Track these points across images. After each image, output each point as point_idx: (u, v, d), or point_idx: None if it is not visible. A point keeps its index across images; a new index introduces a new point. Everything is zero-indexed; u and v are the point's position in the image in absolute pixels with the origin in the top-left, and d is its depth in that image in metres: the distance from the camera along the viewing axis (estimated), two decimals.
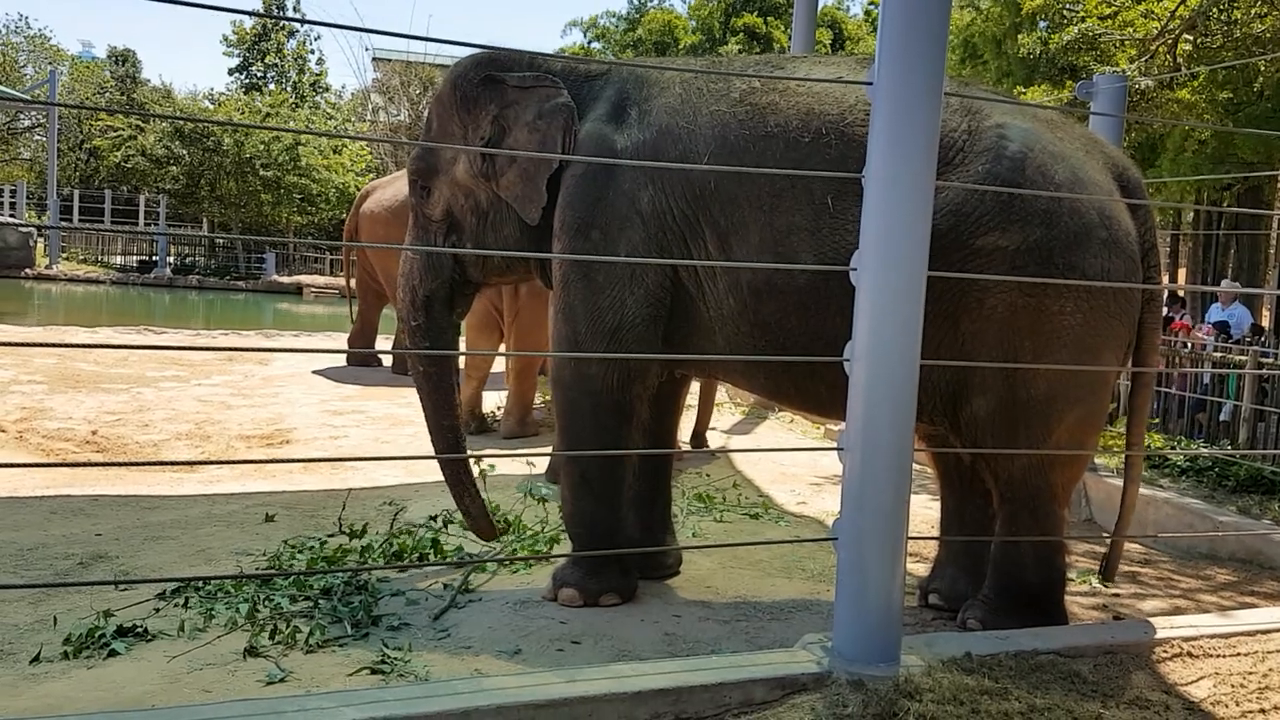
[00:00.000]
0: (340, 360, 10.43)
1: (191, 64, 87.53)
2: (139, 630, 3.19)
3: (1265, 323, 14.03)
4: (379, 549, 4.00)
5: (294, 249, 29.72)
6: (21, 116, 34.35)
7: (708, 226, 3.46)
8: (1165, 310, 10.16)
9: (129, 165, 28.48)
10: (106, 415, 7.19)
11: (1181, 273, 20.78)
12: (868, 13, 34.38)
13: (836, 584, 2.60)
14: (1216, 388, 7.33)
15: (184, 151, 27.69)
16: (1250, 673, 2.83)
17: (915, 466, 4.87)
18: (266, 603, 3.45)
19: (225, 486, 5.39)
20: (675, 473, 4.94)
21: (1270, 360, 6.75)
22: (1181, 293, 13.13)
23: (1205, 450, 6.12)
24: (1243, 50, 10.24)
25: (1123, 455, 3.69)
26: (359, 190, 12.03)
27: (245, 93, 32.87)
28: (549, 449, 5.78)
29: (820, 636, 2.67)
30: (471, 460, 4.05)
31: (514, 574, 3.95)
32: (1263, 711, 2.63)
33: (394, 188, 9.47)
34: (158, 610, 3.42)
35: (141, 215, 30.19)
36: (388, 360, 10.28)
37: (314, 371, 9.94)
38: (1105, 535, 4.11)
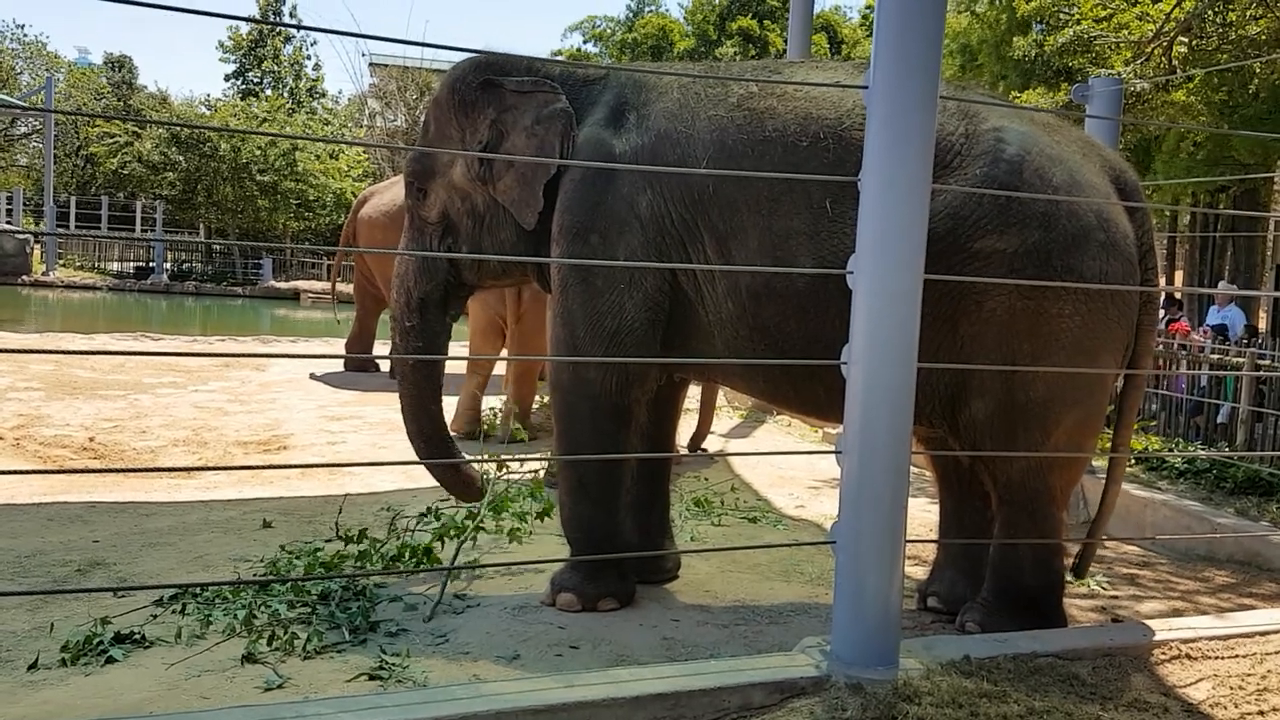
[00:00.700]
0: (338, 365, 10.42)
1: (188, 70, 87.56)
2: (137, 637, 3.18)
3: (1261, 324, 14.04)
4: (377, 554, 3.99)
5: (291, 254, 29.72)
6: (18, 123, 34.37)
7: (706, 231, 3.46)
8: (1163, 313, 10.19)
9: (125, 171, 28.50)
10: (104, 422, 7.18)
11: (1179, 275, 20.80)
12: (865, 17, 34.44)
13: (835, 587, 2.60)
14: (1214, 390, 7.34)
15: (180, 157, 27.70)
16: (1249, 674, 2.83)
17: (914, 469, 4.87)
18: (264, 609, 3.44)
19: (223, 493, 5.38)
20: (674, 477, 4.94)
21: (1267, 363, 6.76)
22: (1179, 295, 13.14)
23: (1203, 452, 6.12)
24: (1238, 52, 10.26)
25: (1108, 458, 3.69)
26: (356, 196, 12.04)
27: (242, 98, 32.88)
28: (547, 454, 5.77)
29: (819, 640, 2.67)
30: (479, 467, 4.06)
31: (511, 579, 3.94)
32: (1261, 713, 2.63)
33: (391, 193, 9.48)
34: (155, 617, 3.41)
35: (138, 221, 30.20)
36: (385, 365, 10.28)
37: (311, 377, 9.93)
38: (1107, 538, 4.12)
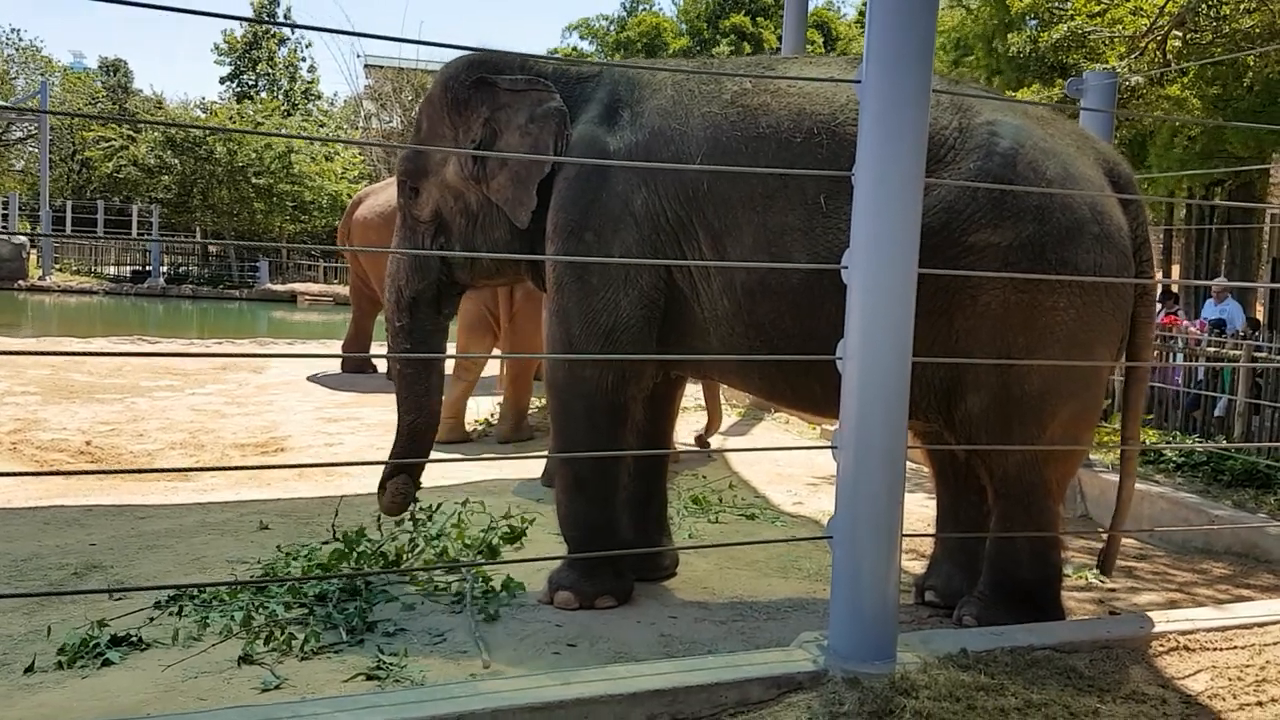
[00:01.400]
0: (335, 367, 10.41)
1: (183, 73, 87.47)
2: (133, 639, 3.18)
3: (1259, 317, 14.05)
4: (373, 554, 3.98)
5: (288, 257, 29.70)
6: (13, 128, 34.32)
7: (701, 228, 3.45)
8: (1159, 306, 10.19)
9: (121, 175, 28.47)
10: (100, 425, 7.17)
11: (1175, 269, 20.82)
12: (860, 13, 34.45)
13: (832, 582, 2.60)
14: (1211, 383, 7.34)
15: (176, 160, 27.66)
16: (1247, 666, 2.83)
17: (910, 465, 4.88)
18: (261, 610, 3.44)
19: (219, 495, 5.37)
20: (671, 474, 4.94)
21: (1264, 355, 6.76)
22: (1175, 288, 13.15)
23: (1200, 445, 6.12)
24: (1231, 46, 10.27)
25: (1118, 450, 3.69)
26: (352, 198, 12.03)
27: (237, 101, 32.83)
28: (544, 452, 5.77)
29: (816, 635, 2.66)
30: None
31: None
32: (1260, 704, 2.63)
33: (386, 194, 9.47)
34: (152, 619, 3.40)
35: (134, 225, 30.17)
36: (383, 366, 10.27)
37: (309, 379, 9.92)
38: (1101, 530, 4.12)
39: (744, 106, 3.46)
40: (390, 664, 3.03)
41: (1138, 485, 5.37)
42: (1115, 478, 3.64)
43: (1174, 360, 7.63)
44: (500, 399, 7.41)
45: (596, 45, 33.79)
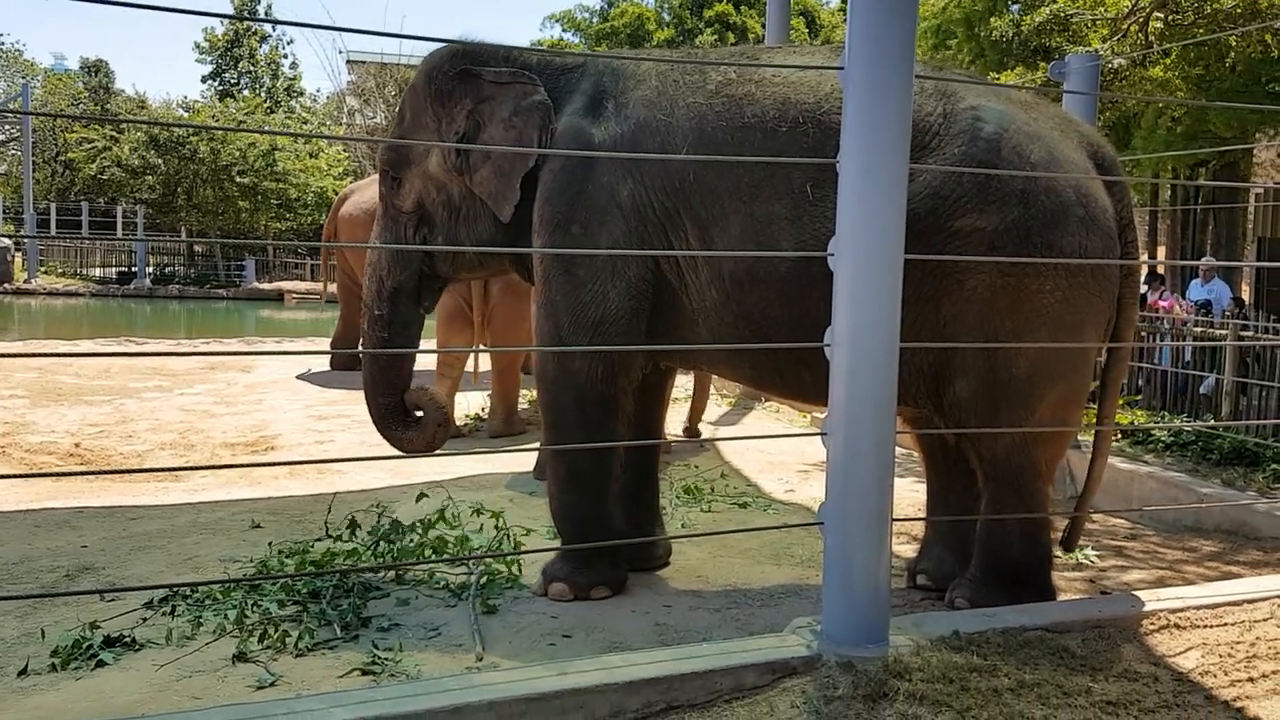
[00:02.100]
0: (324, 365, 10.39)
1: (165, 72, 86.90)
2: (127, 640, 3.17)
3: (1245, 296, 14.11)
4: (367, 551, 3.98)
5: (274, 255, 29.57)
6: None
7: (688, 218, 3.46)
8: (1144, 288, 10.22)
9: (105, 176, 28.26)
10: (89, 427, 7.15)
11: (1160, 250, 20.89)
12: (843, 1, 34.43)
13: (824, 568, 2.61)
14: (1197, 363, 7.37)
15: (159, 161, 27.47)
16: (1238, 642, 2.85)
17: (900, 449, 4.89)
18: (255, 608, 3.44)
19: (210, 494, 5.36)
20: (663, 464, 4.94)
21: (1250, 334, 6.80)
22: (1161, 270, 13.19)
23: (1188, 425, 6.16)
24: (1213, 26, 10.29)
25: (1094, 431, 3.70)
26: (337, 194, 11.99)
27: (219, 99, 32.65)
28: (535, 445, 5.78)
29: (809, 620, 2.68)
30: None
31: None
32: (1251, 680, 2.64)
33: (372, 190, 9.43)
34: (145, 620, 3.40)
35: (119, 226, 30.00)
36: None
37: (298, 377, 9.90)
38: (1091, 511, 4.14)
39: (729, 96, 3.46)
40: (385, 659, 3.04)
41: (1128, 465, 5.43)
42: (1089, 456, 3.65)
43: (1159, 341, 7.65)
44: (489, 393, 7.40)
45: (580, 37, 33.68)
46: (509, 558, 3.92)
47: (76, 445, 6.57)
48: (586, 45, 31.78)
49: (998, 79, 12.23)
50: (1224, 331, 6.84)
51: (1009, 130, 3.25)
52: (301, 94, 38.35)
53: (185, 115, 30.34)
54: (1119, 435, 5.90)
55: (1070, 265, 3.20)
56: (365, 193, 9.69)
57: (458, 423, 7.30)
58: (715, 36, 30.58)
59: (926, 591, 3.76)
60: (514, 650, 3.18)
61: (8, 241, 25.17)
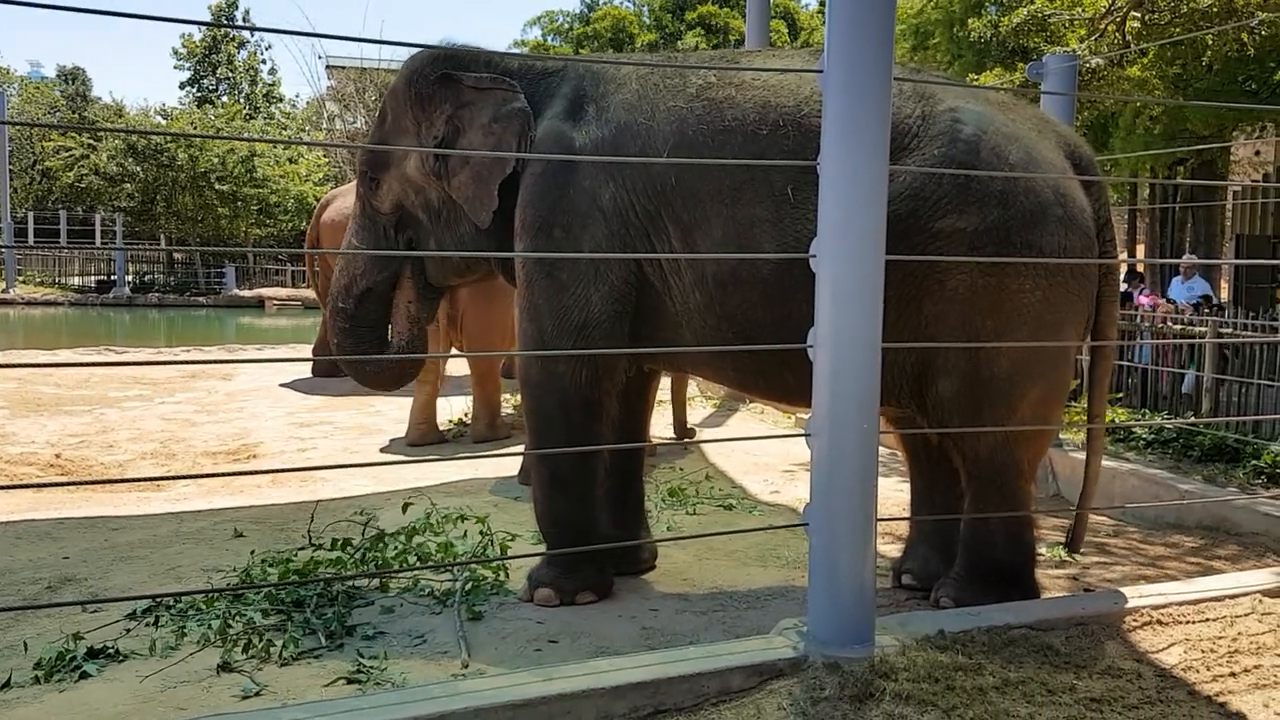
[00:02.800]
0: (306, 372, 10.35)
1: (142, 80, 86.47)
2: (110, 651, 3.15)
3: (1224, 294, 14.21)
4: (351, 559, 3.96)
5: (254, 262, 29.44)
6: None
7: (670, 222, 3.46)
8: (1124, 286, 10.27)
9: (83, 185, 28.07)
10: (70, 438, 7.10)
11: (1140, 248, 21.03)
12: (821, 3, 34.51)
13: (809, 569, 2.62)
14: (1176, 360, 7.42)
15: (138, 168, 27.30)
16: (1219, 638, 2.87)
17: (884, 449, 4.90)
18: (239, 618, 3.42)
19: (193, 504, 5.33)
20: (648, 468, 4.95)
21: (1229, 330, 6.85)
22: (1141, 268, 13.28)
23: (1169, 422, 6.20)
24: (1190, 25, 10.36)
25: (1086, 430, 3.73)
26: (317, 199, 11.95)
27: (198, 106, 32.49)
28: (519, 450, 5.77)
29: (795, 622, 2.68)
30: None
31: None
32: (1233, 675, 2.66)
33: (354, 195, 9.39)
34: (129, 631, 3.38)
35: (98, 234, 29.81)
36: None
37: (280, 385, 9.86)
38: (1073, 509, 4.16)
39: (709, 100, 3.46)
40: (371, 667, 3.02)
41: (1110, 463, 5.46)
42: (1085, 456, 3.67)
43: (1140, 339, 7.70)
44: (468, 399, 7.38)
45: (560, 40, 33.63)
46: (494, 563, 3.92)
47: (57, 456, 6.52)
48: (570, 48, 31.73)
49: (976, 80, 12.30)
50: (1203, 329, 6.89)
51: (988, 131, 3.27)
52: (281, 99, 38.22)
53: (163, 122, 30.19)
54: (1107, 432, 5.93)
55: (1050, 265, 3.22)
56: (347, 199, 9.63)
57: (441, 428, 7.29)
58: (698, 39, 30.59)
59: (912, 591, 3.77)
60: (500, 657, 3.17)
61: None
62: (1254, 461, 5.43)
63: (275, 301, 25.88)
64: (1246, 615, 3.02)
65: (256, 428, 7.65)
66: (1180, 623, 2.96)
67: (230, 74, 36.79)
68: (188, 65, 36.70)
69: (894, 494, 4.97)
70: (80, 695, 2.88)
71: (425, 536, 4.22)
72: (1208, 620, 2.99)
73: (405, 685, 2.87)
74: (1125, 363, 7.44)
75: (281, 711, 2.23)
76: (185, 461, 6.53)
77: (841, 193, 2.53)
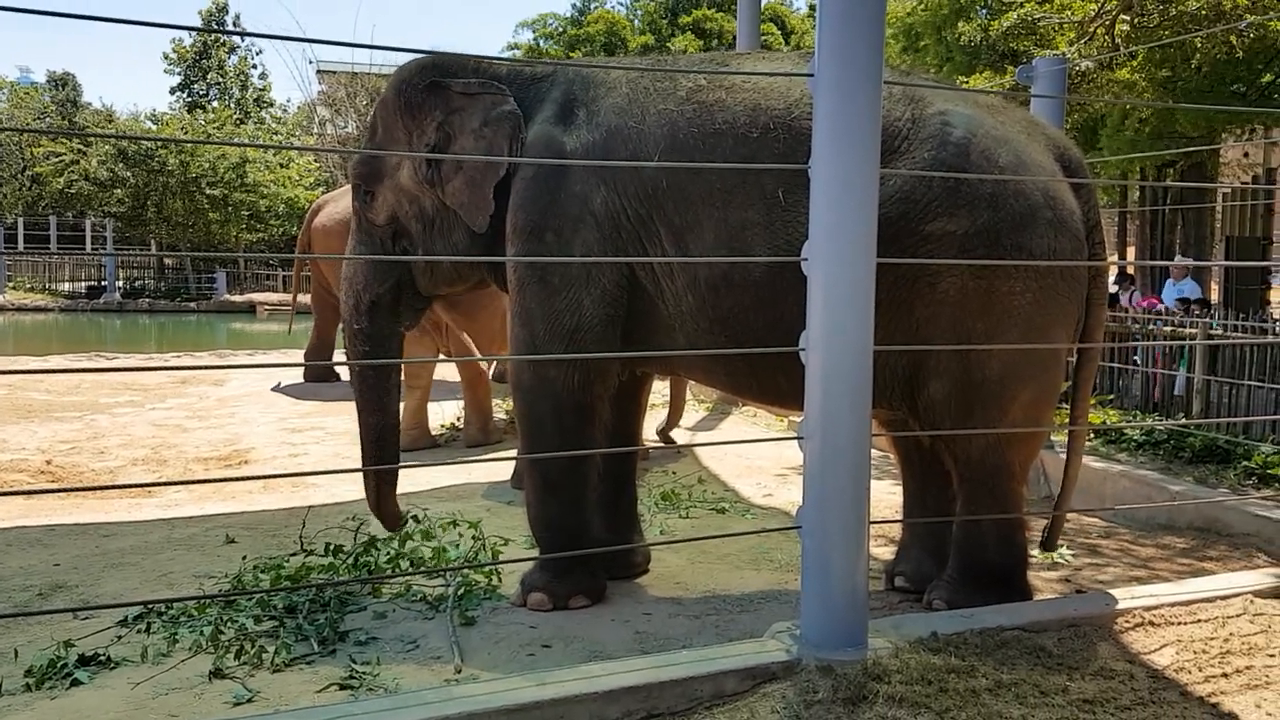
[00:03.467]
0: (298, 377, 10.33)
1: (133, 85, 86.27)
2: (102, 658, 3.14)
3: (1213, 295, 14.26)
4: (344, 565, 3.96)
5: (245, 267, 29.38)
6: None
7: (662, 225, 3.46)
8: (1114, 289, 10.31)
9: (73, 190, 27.97)
10: (60, 444, 7.08)
11: (1130, 250, 21.09)
12: (811, 7, 34.58)
13: (802, 572, 2.61)
14: (1167, 362, 7.44)
15: (128, 174, 27.20)
16: (1211, 638, 2.88)
17: (876, 452, 4.91)
18: (231, 624, 3.41)
19: (184, 510, 5.31)
20: (641, 471, 4.94)
21: (1219, 332, 6.87)
22: (1131, 270, 13.32)
23: (1160, 423, 6.21)
24: (1179, 28, 10.41)
25: (1067, 431, 3.73)
26: (309, 205, 11.94)
27: (188, 111, 32.41)
28: (512, 454, 5.76)
29: (788, 625, 2.68)
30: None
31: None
32: (1225, 675, 2.67)
33: (345, 200, 9.35)
34: (120, 638, 3.37)
35: (88, 240, 29.70)
36: (346, 374, 10.19)
37: (272, 390, 9.84)
38: (1070, 511, 4.17)
39: (699, 103, 3.46)
40: (363, 673, 3.02)
41: (1101, 464, 5.47)
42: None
43: (1132, 340, 7.71)
44: (459, 405, 7.38)
45: (551, 45, 33.62)
46: (487, 568, 3.91)
47: (48, 462, 6.50)
48: (562, 52, 31.74)
49: (966, 83, 12.33)
50: (1194, 330, 6.91)
51: (977, 135, 3.28)
52: (271, 104, 38.13)
53: (154, 127, 30.08)
54: (1092, 435, 5.95)
55: (1040, 267, 3.22)
56: (339, 203, 9.64)
57: (433, 432, 7.28)
58: (687, 44, 30.62)
59: (904, 593, 3.77)
60: (493, 661, 3.16)
61: None
62: (1244, 463, 5.45)
63: (267, 306, 25.82)
64: (1238, 616, 3.03)
65: (248, 433, 7.64)
66: (1172, 624, 2.97)
67: (221, 79, 36.71)
68: (178, 70, 36.62)
69: (887, 497, 4.98)
70: (72, 703, 2.87)
71: (418, 541, 4.21)
72: (1200, 621, 2.99)
73: (398, 691, 2.87)
74: (1116, 365, 7.46)
75: (274, 718, 2.22)
76: (176, 467, 6.51)
77: (833, 196, 2.53)
